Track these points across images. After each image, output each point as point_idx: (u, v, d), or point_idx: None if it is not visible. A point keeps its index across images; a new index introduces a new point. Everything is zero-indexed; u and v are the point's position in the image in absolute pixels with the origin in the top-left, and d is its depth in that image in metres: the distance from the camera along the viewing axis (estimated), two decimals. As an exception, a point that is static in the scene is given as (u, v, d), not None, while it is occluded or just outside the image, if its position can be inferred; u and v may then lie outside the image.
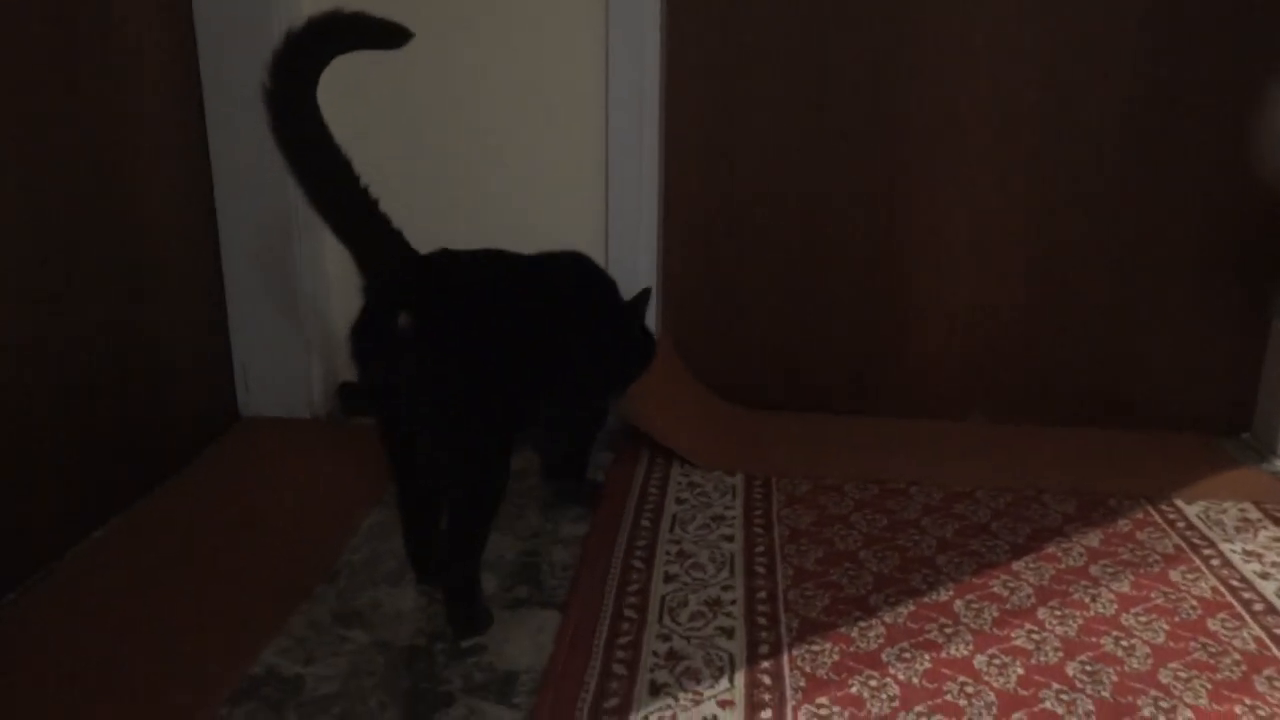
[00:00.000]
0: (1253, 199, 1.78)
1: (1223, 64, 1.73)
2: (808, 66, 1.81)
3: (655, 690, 1.12)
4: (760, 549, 1.44)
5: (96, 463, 1.50)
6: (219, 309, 1.83)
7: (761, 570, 1.38)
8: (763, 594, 1.32)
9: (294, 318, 1.83)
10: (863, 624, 1.26)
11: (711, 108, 1.84)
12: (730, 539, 1.47)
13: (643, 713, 1.09)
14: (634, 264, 1.82)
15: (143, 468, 1.60)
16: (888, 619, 1.27)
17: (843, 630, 1.25)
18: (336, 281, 1.86)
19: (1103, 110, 1.78)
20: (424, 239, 1.26)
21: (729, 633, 1.24)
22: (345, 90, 1.41)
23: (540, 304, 1.32)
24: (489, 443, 1.24)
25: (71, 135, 1.43)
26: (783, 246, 1.90)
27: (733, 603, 1.30)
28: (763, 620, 1.26)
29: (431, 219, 1.41)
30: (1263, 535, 1.50)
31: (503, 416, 1.25)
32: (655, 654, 1.19)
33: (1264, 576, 1.39)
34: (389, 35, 1.18)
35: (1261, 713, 1.11)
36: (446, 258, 1.28)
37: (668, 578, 1.36)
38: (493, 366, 1.22)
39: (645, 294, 1.52)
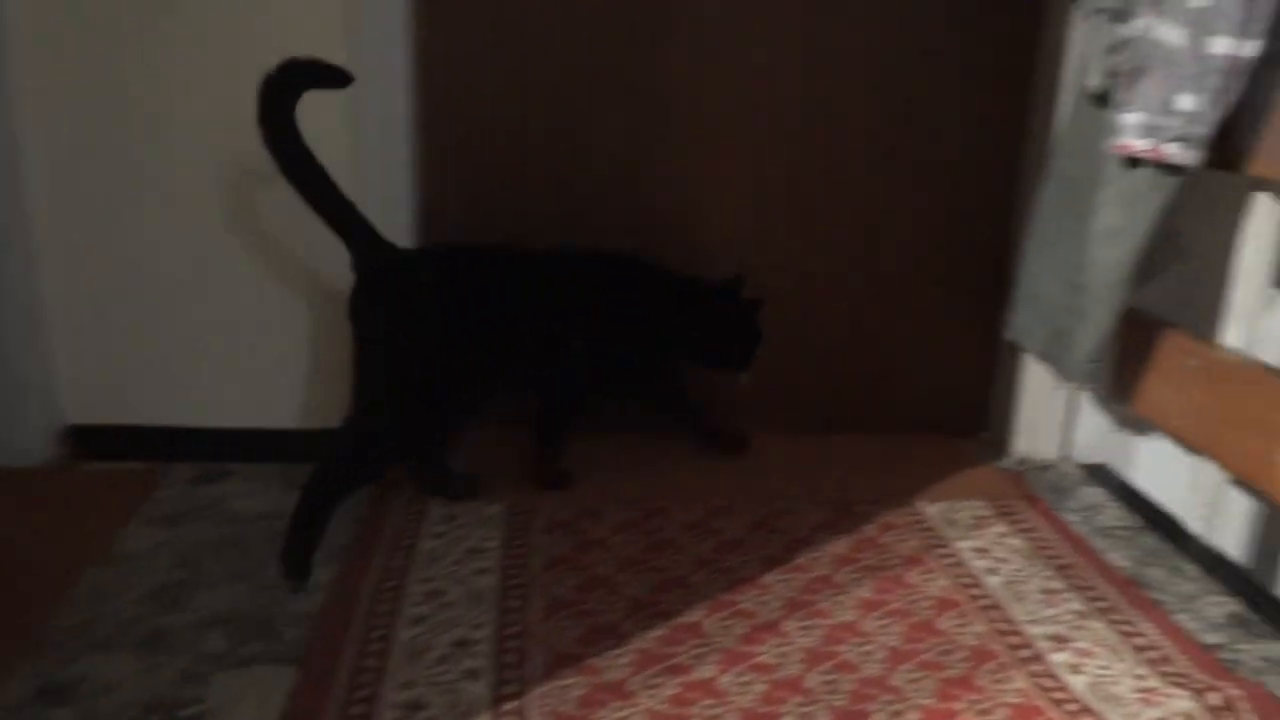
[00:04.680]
0: (986, 219, 1.90)
1: (954, 94, 1.84)
2: (578, 69, 1.80)
3: (390, 746, 1.07)
4: (516, 581, 1.40)
5: None
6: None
7: (516, 604, 1.35)
8: (514, 629, 1.29)
9: (3, 353, 1.65)
10: (614, 652, 1.25)
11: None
12: (486, 572, 1.43)
13: (374, 773, 1.03)
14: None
15: None
16: (639, 644, 1.27)
17: (593, 661, 1.23)
18: (54, 312, 1.69)
19: (850, 132, 1.85)
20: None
21: (475, 674, 1.19)
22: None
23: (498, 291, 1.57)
24: (405, 399, 1.50)
25: None
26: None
27: (480, 642, 1.26)
28: (510, 659, 1.23)
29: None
30: (991, 531, 1.59)
31: (429, 380, 1.50)
32: (394, 706, 1.13)
33: (991, 572, 1.47)
34: (338, 77, 1.42)
35: (981, 707, 1.17)
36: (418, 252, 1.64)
37: (416, 620, 1.30)
38: (437, 343, 1.50)
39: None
